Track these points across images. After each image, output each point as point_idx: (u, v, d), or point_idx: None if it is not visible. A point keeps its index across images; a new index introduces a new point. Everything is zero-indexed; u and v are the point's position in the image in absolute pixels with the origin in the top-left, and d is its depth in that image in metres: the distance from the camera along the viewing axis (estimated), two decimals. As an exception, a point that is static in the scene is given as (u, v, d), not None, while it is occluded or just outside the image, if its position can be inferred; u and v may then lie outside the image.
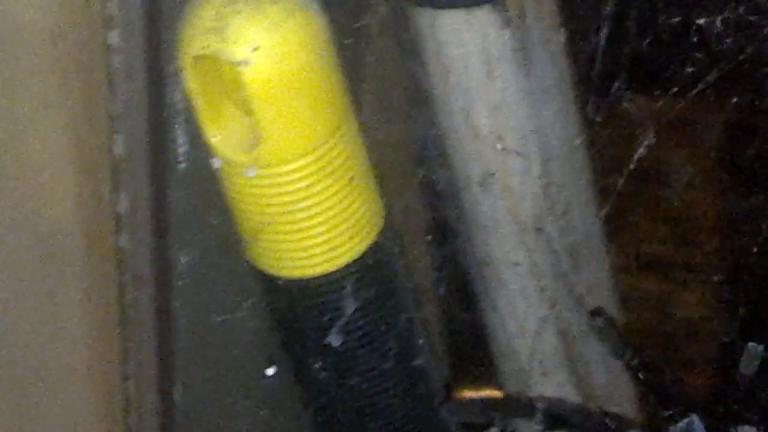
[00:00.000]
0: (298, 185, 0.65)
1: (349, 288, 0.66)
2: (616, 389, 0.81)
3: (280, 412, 0.78)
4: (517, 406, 0.75)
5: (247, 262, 0.68)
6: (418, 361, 0.73)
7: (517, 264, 0.77)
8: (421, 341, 0.76)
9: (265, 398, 0.77)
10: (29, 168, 0.58)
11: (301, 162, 0.64)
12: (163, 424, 0.73)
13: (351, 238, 0.67)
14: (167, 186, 0.70)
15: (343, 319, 0.66)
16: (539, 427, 0.71)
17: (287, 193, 0.65)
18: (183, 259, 0.71)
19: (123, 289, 0.69)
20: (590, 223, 0.78)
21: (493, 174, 0.74)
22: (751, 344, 0.70)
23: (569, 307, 0.78)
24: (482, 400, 0.77)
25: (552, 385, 0.79)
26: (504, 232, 0.77)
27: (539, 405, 0.72)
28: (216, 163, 0.65)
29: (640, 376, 0.72)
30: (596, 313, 0.75)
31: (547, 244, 0.76)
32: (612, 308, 0.81)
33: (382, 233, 0.71)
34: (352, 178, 0.66)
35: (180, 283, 0.71)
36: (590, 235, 0.79)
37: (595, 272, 0.80)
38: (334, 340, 0.67)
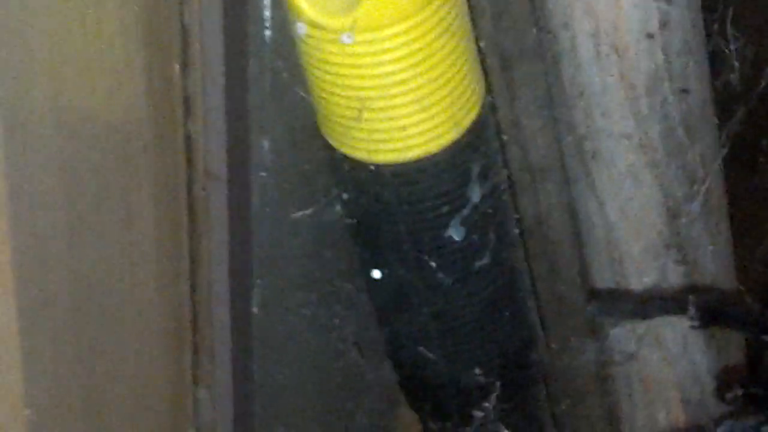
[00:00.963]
0: (399, 53, 0.55)
1: (472, 169, 0.58)
2: (724, 273, 0.74)
3: (366, 320, 0.71)
4: (669, 302, 0.68)
5: (335, 149, 0.60)
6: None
7: (626, 136, 0.68)
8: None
9: (349, 306, 0.70)
10: (102, 43, 0.48)
11: (404, 26, 0.55)
12: (238, 338, 0.65)
13: (453, 115, 0.58)
14: (245, 61, 0.60)
15: (467, 209, 0.58)
16: (695, 323, 0.65)
17: (387, 62, 0.55)
18: (264, 145, 0.62)
19: (192, 186, 0.60)
20: (706, 90, 0.70)
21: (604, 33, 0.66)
22: None
23: (680, 184, 0.71)
24: (635, 297, 0.70)
25: (655, 271, 0.72)
26: (613, 99, 0.68)
27: (691, 299, 0.65)
28: (301, 29, 0.56)
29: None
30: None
31: (661, 113, 0.68)
32: (718, 184, 0.73)
33: (483, 109, 0.62)
34: (456, 47, 0.57)
35: (260, 174, 0.62)
36: (705, 104, 0.71)
37: (707, 146, 0.72)
38: (455, 232, 0.59)
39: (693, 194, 0.72)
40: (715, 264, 0.74)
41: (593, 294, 0.74)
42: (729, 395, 0.68)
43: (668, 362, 0.75)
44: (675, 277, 0.73)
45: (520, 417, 0.73)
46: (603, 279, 0.74)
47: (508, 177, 0.69)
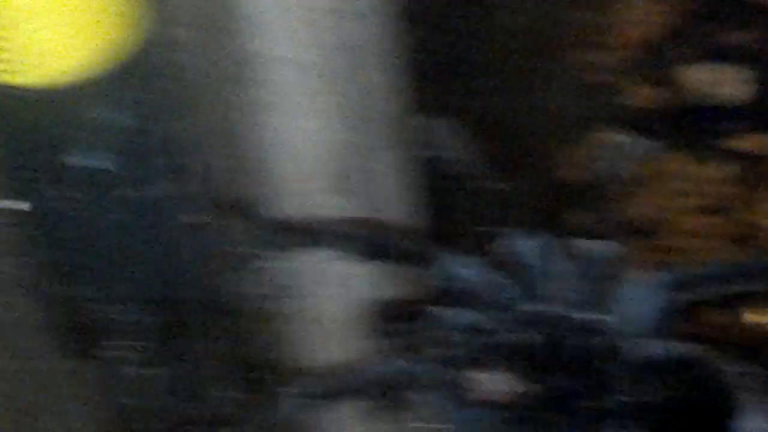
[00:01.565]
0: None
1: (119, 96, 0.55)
2: (404, 209, 0.74)
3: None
4: (334, 234, 0.66)
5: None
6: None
7: (296, 62, 0.67)
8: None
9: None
10: None
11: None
12: None
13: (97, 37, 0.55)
14: None
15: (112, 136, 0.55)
16: (359, 257, 0.64)
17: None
18: None
19: None
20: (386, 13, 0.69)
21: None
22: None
23: (358, 120, 0.70)
24: (299, 228, 0.68)
25: (339, 205, 0.71)
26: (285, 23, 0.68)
27: (335, 231, 0.64)
28: None
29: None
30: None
31: (338, 37, 0.67)
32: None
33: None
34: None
35: None
36: (385, 28, 0.70)
37: (383, 71, 0.71)
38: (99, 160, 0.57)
39: (365, 123, 0.70)
40: (386, 198, 0.73)
41: (258, 224, 0.71)
42: (389, 329, 0.67)
43: (333, 298, 0.73)
44: (351, 213, 0.72)
45: (178, 355, 0.70)
46: (268, 210, 0.72)
47: (161, 103, 0.65)
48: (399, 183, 0.73)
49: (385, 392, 0.66)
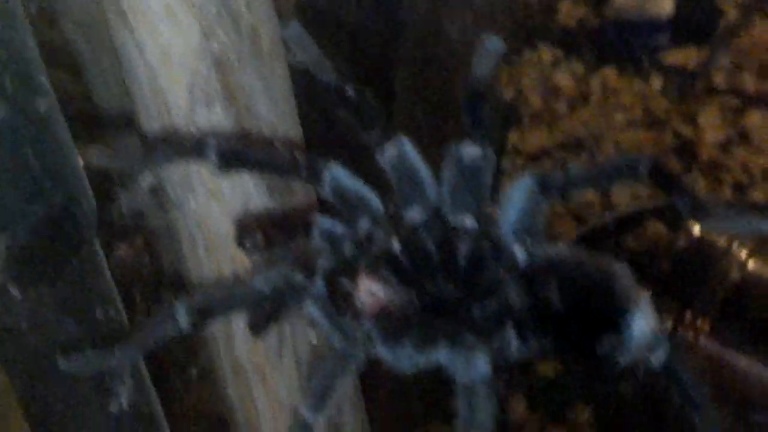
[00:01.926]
0: None
1: None
2: (282, 125, 0.73)
3: None
4: (186, 149, 0.65)
5: None
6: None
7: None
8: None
9: None
10: None
11: None
12: None
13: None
14: None
15: None
16: (215, 166, 0.63)
17: None
18: None
19: None
20: None
21: None
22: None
23: (227, 31, 0.68)
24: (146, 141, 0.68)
25: (212, 119, 0.70)
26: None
27: (211, 141, 0.63)
28: None
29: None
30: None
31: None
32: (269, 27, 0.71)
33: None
34: None
35: None
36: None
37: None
38: None
39: (241, 38, 0.69)
40: (270, 112, 0.73)
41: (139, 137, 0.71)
42: (248, 241, 0.67)
43: (229, 217, 0.73)
44: (226, 126, 0.71)
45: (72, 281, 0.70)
46: (152, 128, 0.71)
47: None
48: (277, 95, 0.73)
49: (269, 304, 0.67)
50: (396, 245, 0.67)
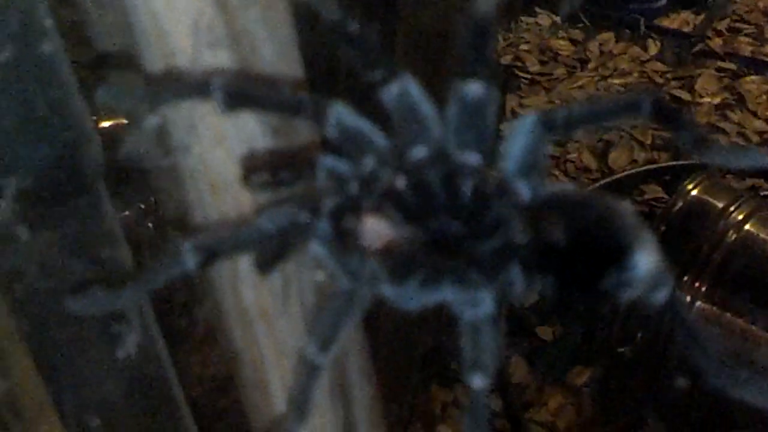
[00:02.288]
0: None
1: None
2: (286, 66, 0.73)
3: None
4: (192, 88, 0.66)
5: None
6: None
7: None
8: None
9: None
10: None
11: None
12: None
13: None
14: None
15: None
16: (221, 106, 0.63)
17: None
18: None
19: None
20: None
21: None
22: None
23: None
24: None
25: (217, 61, 0.70)
26: None
27: (216, 81, 0.64)
28: None
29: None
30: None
31: None
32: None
33: None
34: None
35: None
36: None
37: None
38: None
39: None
40: (274, 53, 0.73)
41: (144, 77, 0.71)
42: (255, 180, 0.67)
43: (233, 160, 0.73)
44: (231, 68, 0.71)
45: (79, 223, 0.70)
46: (156, 71, 0.71)
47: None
48: (280, 36, 0.73)
49: (275, 243, 0.67)
50: (401, 183, 0.67)
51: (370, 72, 0.66)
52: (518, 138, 0.66)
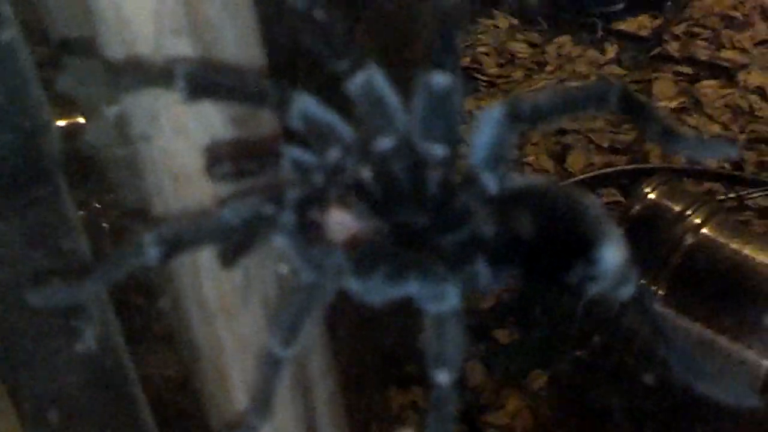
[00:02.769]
0: None
1: None
2: (248, 55, 0.73)
3: None
4: (154, 76, 0.65)
5: None
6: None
7: None
8: None
9: None
10: None
11: None
12: None
13: None
14: None
15: None
16: (183, 95, 0.62)
17: None
18: None
19: None
20: None
21: None
22: None
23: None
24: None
25: (178, 50, 0.69)
26: None
27: (179, 69, 0.63)
28: None
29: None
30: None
31: None
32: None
33: None
34: None
35: None
36: None
37: None
38: None
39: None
40: (236, 42, 0.72)
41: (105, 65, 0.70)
42: (218, 171, 0.67)
43: (195, 151, 0.73)
44: (193, 57, 0.71)
45: (31, 216, 0.69)
46: (116, 59, 0.71)
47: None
48: (242, 24, 0.72)
49: (239, 236, 0.66)
50: (366, 174, 0.67)
51: (335, 62, 0.65)
52: (484, 129, 0.66)
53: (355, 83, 0.67)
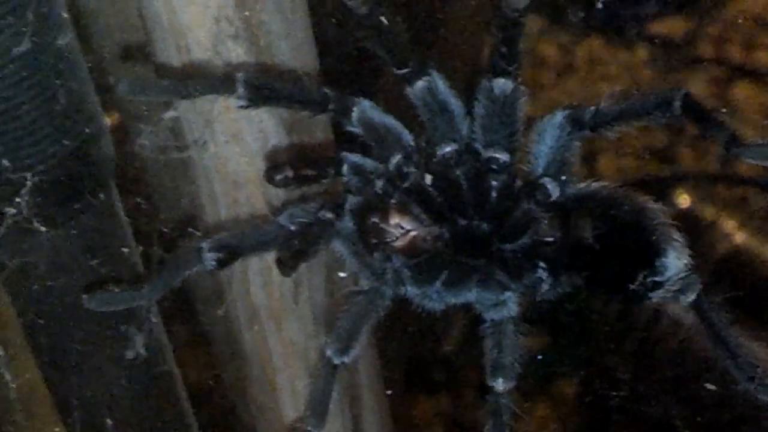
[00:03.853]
0: None
1: None
2: (302, 60, 0.74)
3: None
4: (214, 82, 0.66)
5: None
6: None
7: None
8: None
9: None
10: None
11: None
12: None
13: None
14: None
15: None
16: (243, 101, 0.63)
17: None
18: None
19: None
20: None
21: None
22: None
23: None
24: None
25: (234, 56, 0.71)
26: None
27: (239, 75, 0.64)
28: None
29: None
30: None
31: None
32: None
33: None
34: None
35: None
36: None
37: None
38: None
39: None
40: (290, 48, 0.73)
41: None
42: (278, 177, 0.68)
43: (248, 157, 0.74)
44: (248, 63, 0.72)
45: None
46: (171, 65, 0.72)
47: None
48: (296, 31, 0.73)
49: (298, 242, 0.67)
50: (427, 180, 0.68)
51: (398, 67, 0.66)
52: (546, 135, 0.67)
53: (417, 89, 0.67)
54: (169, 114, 0.72)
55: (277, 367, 0.83)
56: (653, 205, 0.65)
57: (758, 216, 1.86)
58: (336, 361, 0.68)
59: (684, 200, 1.85)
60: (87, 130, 0.68)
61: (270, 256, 0.76)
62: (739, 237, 1.73)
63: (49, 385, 0.74)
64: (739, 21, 2.83)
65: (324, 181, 0.69)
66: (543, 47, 2.97)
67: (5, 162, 0.64)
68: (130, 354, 0.76)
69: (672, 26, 3.02)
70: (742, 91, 2.66)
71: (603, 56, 2.94)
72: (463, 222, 0.67)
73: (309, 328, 0.82)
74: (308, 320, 0.82)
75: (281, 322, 0.81)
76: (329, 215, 0.67)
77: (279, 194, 0.75)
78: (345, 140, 0.71)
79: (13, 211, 0.65)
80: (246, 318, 0.81)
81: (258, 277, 0.79)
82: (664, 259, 0.63)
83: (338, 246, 0.68)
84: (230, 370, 0.87)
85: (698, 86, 2.71)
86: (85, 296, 0.66)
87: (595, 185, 0.67)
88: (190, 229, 0.75)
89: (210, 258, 0.65)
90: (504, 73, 0.66)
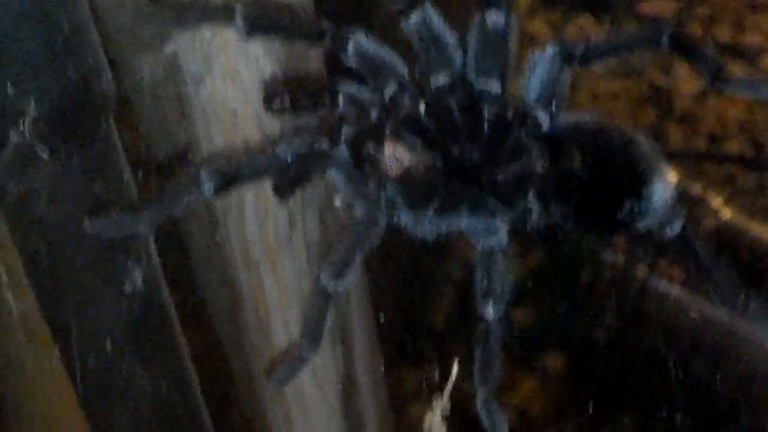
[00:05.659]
0: None
1: None
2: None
3: None
4: (214, 13, 0.67)
5: None
6: None
7: None
8: None
9: None
10: None
11: None
12: None
13: None
14: None
15: None
16: (242, 32, 0.65)
17: None
18: None
19: None
20: None
21: None
22: None
23: None
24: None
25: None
26: None
27: (238, 7, 0.66)
28: None
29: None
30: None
31: None
32: None
33: None
34: None
35: None
36: None
37: None
38: None
39: None
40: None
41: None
42: (273, 103, 0.69)
43: (243, 93, 0.75)
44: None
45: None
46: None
47: None
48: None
49: (294, 170, 0.69)
50: (421, 109, 0.69)
51: (393, 1, 0.68)
52: (538, 68, 0.69)
53: (412, 21, 0.69)
54: (169, 48, 0.72)
55: (271, 308, 0.85)
56: (641, 136, 0.66)
57: (745, 193, 1.88)
58: (330, 289, 0.70)
59: (672, 177, 1.86)
60: (85, 65, 0.69)
61: (265, 202, 0.78)
62: (726, 212, 1.74)
63: (48, 310, 0.74)
64: (729, 2, 2.85)
65: (319, 111, 0.70)
66: (533, 25, 2.98)
67: (9, 89, 0.64)
68: (128, 287, 0.77)
69: (662, 6, 3.03)
70: (732, 72, 2.67)
71: (592, 34, 2.94)
72: (455, 150, 0.69)
73: (302, 267, 0.83)
74: (303, 260, 0.83)
75: (276, 260, 0.82)
76: (325, 145, 0.68)
77: (275, 132, 0.76)
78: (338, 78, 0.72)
79: (16, 138, 0.66)
80: (240, 256, 0.82)
81: (252, 216, 0.80)
82: (650, 188, 0.65)
83: (333, 175, 0.69)
84: (223, 305, 0.88)
85: (687, 66, 2.71)
86: (87, 221, 0.67)
87: (585, 116, 0.68)
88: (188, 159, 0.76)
89: (207, 185, 0.66)
90: (496, 5, 0.67)
